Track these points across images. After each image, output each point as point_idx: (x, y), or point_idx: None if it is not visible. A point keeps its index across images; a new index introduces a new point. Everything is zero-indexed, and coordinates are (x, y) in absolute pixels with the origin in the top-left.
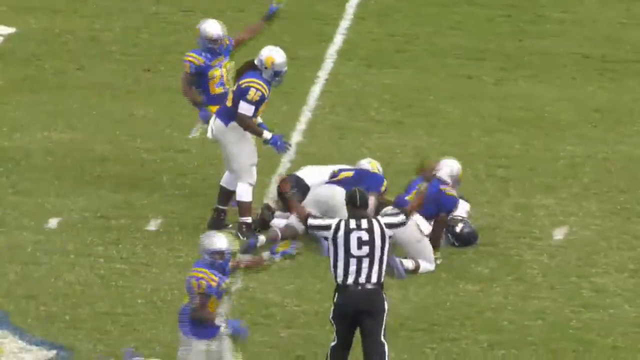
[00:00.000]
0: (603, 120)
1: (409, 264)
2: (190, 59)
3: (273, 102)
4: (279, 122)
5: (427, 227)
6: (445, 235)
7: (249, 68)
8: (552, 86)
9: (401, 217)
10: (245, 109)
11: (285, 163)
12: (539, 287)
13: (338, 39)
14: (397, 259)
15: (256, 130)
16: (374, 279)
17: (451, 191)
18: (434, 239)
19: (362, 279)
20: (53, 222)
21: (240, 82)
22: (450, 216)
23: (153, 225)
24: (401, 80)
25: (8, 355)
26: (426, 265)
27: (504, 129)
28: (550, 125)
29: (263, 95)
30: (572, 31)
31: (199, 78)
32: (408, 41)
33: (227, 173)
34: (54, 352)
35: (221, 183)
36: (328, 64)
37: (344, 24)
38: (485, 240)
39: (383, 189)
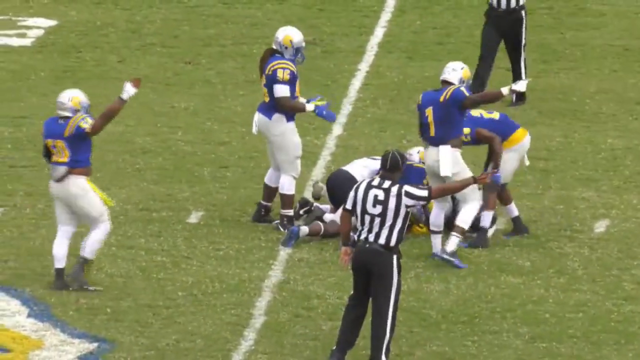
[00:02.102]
0: None
1: (455, 242)
2: None
3: (314, 94)
4: None
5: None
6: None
7: (270, 55)
8: (593, 78)
9: (425, 192)
10: (281, 91)
11: (325, 156)
12: (580, 279)
13: (379, 32)
14: (447, 257)
15: (299, 108)
16: (381, 239)
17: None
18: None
19: (371, 237)
20: None
21: (266, 71)
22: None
23: (194, 218)
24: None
25: (49, 347)
26: (470, 212)
27: (545, 121)
28: (591, 118)
29: (292, 72)
30: (613, 23)
31: None
32: (449, 33)
33: (270, 170)
34: (95, 344)
35: (265, 181)
36: (369, 56)
37: (385, 16)
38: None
39: (425, 181)
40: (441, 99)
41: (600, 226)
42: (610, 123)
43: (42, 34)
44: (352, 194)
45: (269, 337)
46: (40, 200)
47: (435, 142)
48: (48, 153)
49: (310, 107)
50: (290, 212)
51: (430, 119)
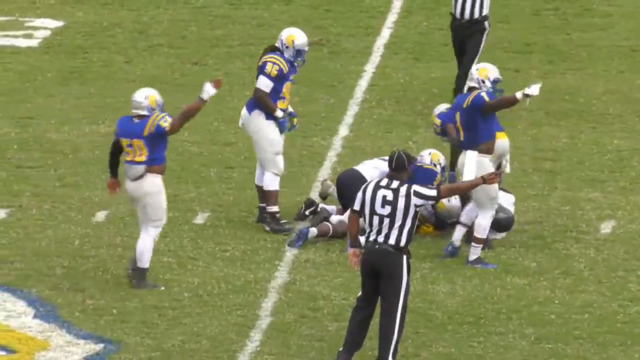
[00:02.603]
0: None
1: (475, 251)
2: None
3: (320, 95)
4: (326, 115)
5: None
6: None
7: (270, 51)
8: (600, 79)
9: (433, 192)
10: (263, 84)
11: (331, 157)
12: (586, 280)
13: (385, 32)
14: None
15: (271, 107)
16: (391, 240)
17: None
18: None
19: (380, 238)
20: (100, 216)
21: (259, 62)
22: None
23: (200, 219)
24: (448, 73)
25: (55, 348)
26: (484, 221)
27: (551, 122)
28: (598, 119)
29: (281, 69)
30: (620, 24)
31: None
32: None
33: (258, 168)
34: (101, 345)
35: (256, 181)
36: (375, 57)
37: (391, 17)
38: (532, 234)
39: (436, 183)
40: (464, 104)
41: (606, 227)
42: (617, 124)
43: (48, 35)
44: (359, 195)
45: (274, 338)
46: (47, 201)
47: (465, 146)
48: (115, 150)
49: (280, 113)
50: (275, 209)
51: (459, 124)
